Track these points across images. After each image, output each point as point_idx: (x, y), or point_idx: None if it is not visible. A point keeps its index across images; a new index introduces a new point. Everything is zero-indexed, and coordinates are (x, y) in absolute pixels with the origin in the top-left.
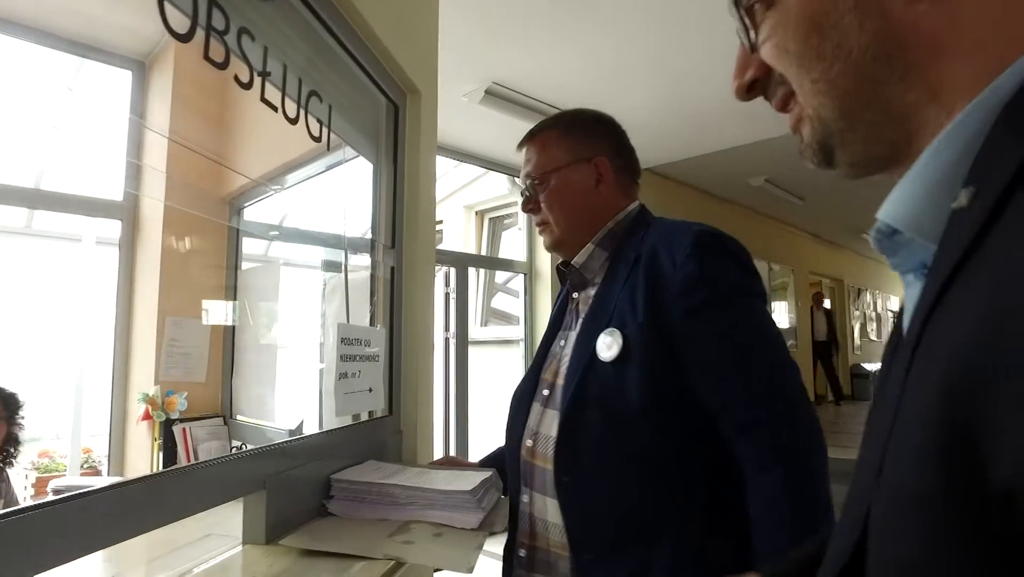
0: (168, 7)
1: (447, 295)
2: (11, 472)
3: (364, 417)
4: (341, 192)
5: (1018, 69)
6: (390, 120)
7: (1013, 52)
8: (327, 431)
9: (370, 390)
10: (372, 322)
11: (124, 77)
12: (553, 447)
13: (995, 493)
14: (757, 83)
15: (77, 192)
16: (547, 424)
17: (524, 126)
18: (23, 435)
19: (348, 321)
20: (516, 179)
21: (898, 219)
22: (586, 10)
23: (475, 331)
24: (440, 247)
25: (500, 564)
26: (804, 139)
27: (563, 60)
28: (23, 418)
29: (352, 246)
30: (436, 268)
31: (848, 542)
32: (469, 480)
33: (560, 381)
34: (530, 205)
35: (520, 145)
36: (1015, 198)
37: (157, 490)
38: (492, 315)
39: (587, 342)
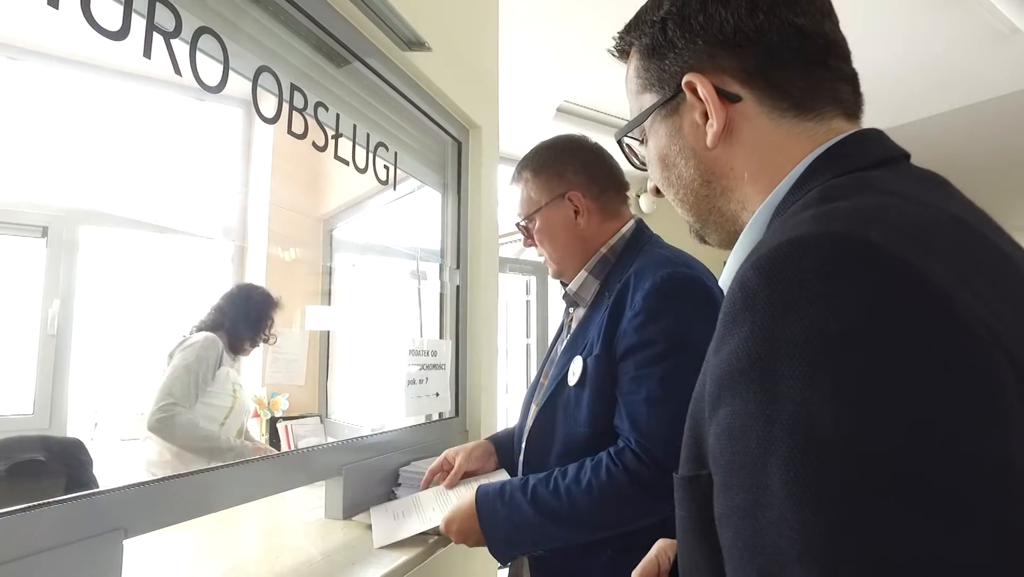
0: (260, 92)
1: (528, 303)
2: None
3: (435, 417)
4: (416, 218)
5: (784, 186)
6: (453, 154)
7: (780, 175)
8: (398, 429)
9: (437, 395)
10: (441, 334)
11: (235, 114)
12: (523, 453)
13: (706, 475)
14: (660, 189)
15: (197, 217)
16: None
17: (598, 139)
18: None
19: (421, 332)
20: None
21: (727, 286)
22: None
23: None
24: (523, 256)
25: None
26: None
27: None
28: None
29: (424, 264)
30: (519, 277)
31: None
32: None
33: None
34: (528, 242)
35: (509, 185)
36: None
37: (258, 470)
38: None
39: (563, 365)
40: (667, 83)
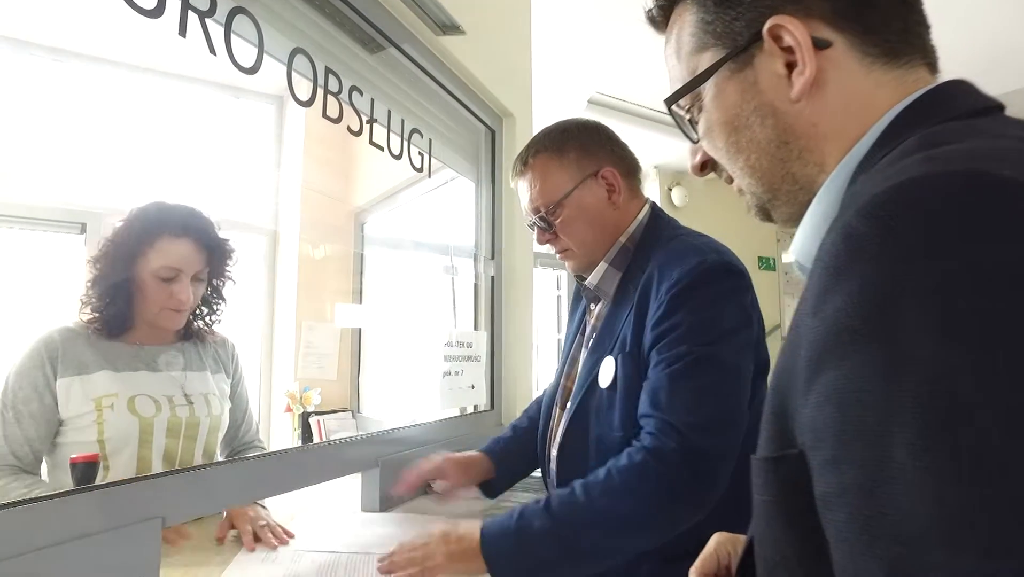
0: (295, 77)
1: (559, 298)
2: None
3: (470, 410)
4: (450, 209)
5: (866, 141)
6: (488, 144)
7: (863, 130)
8: (432, 422)
9: (472, 387)
10: (475, 327)
11: (268, 111)
12: (555, 463)
13: (796, 454)
14: (706, 164)
15: (232, 210)
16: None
17: (630, 130)
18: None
19: (455, 324)
20: None
21: (799, 254)
22: None
23: None
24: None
25: None
26: (747, 203)
27: (658, 66)
28: (231, 270)
29: (457, 257)
30: (550, 272)
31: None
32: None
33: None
34: (546, 237)
35: (514, 177)
36: (830, 231)
37: (295, 460)
38: None
39: (592, 365)
40: (739, 33)
